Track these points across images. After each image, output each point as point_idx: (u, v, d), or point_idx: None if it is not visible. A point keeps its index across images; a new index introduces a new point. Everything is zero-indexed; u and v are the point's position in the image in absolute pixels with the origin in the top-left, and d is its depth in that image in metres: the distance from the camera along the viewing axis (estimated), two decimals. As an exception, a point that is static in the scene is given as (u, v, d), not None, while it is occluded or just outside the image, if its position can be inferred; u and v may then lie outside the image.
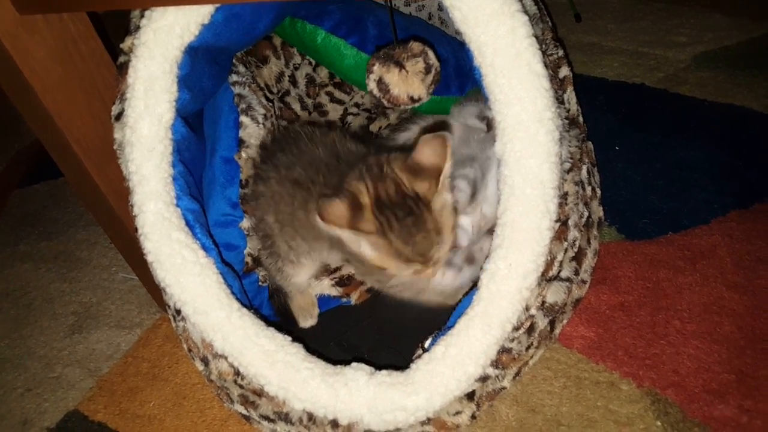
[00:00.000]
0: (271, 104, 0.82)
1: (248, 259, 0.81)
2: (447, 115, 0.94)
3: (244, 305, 0.66)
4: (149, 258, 0.65)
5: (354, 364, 0.63)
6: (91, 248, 1.15)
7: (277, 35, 0.98)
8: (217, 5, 0.60)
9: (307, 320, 0.86)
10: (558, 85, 0.78)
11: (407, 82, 0.70)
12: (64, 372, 0.92)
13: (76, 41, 0.71)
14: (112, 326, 0.98)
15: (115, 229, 0.86)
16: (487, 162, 0.81)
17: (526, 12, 0.59)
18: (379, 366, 0.63)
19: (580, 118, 0.84)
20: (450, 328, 0.64)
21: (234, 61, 0.86)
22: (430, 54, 0.71)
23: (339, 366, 0.63)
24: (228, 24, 0.66)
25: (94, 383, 0.89)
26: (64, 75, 0.71)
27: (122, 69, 0.65)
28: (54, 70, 0.70)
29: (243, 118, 0.75)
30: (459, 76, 0.95)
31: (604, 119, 1.15)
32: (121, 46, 0.66)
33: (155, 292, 0.97)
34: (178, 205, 0.65)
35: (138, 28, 0.62)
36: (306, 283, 0.87)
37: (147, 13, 0.62)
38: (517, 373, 0.69)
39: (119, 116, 0.65)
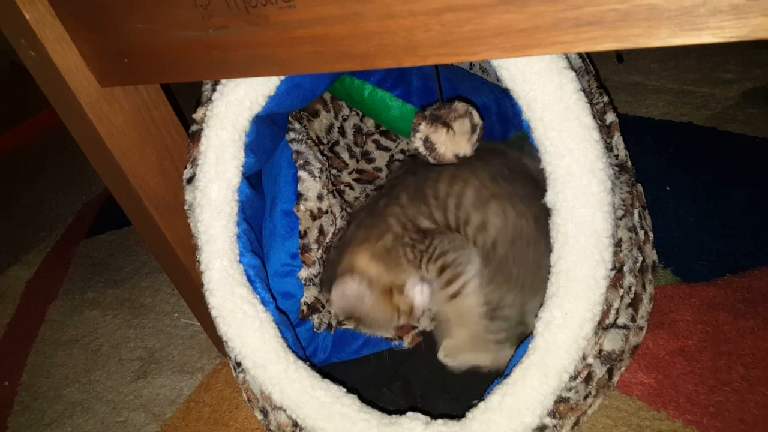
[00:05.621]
0: (325, 158, 0.86)
1: (304, 308, 0.84)
2: None
3: (299, 357, 0.67)
4: (213, 312, 0.68)
5: (410, 414, 0.64)
6: (155, 295, 1.21)
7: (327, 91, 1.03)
8: (282, 77, 0.65)
9: None
10: (605, 132, 0.80)
11: (454, 141, 0.72)
12: (130, 416, 0.96)
13: (150, 108, 0.78)
14: (175, 371, 1.02)
15: (182, 279, 0.91)
16: None
17: (572, 67, 0.61)
18: (433, 413, 0.64)
19: (629, 162, 0.84)
20: (506, 376, 0.64)
21: (289, 118, 0.91)
22: (475, 114, 0.73)
23: (395, 416, 0.64)
24: (290, 93, 0.70)
25: (158, 428, 0.93)
26: (138, 139, 0.77)
27: (194, 137, 0.70)
28: (130, 134, 0.76)
29: (301, 173, 0.79)
30: (501, 122, 0.97)
31: (653, 159, 1.14)
32: (194, 116, 0.71)
33: (216, 337, 1.01)
34: (241, 262, 0.69)
35: (210, 100, 0.67)
36: None
37: (219, 87, 0.66)
38: (576, 423, 0.68)
39: (191, 180, 0.70)
